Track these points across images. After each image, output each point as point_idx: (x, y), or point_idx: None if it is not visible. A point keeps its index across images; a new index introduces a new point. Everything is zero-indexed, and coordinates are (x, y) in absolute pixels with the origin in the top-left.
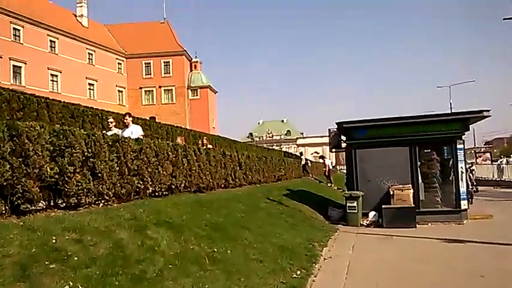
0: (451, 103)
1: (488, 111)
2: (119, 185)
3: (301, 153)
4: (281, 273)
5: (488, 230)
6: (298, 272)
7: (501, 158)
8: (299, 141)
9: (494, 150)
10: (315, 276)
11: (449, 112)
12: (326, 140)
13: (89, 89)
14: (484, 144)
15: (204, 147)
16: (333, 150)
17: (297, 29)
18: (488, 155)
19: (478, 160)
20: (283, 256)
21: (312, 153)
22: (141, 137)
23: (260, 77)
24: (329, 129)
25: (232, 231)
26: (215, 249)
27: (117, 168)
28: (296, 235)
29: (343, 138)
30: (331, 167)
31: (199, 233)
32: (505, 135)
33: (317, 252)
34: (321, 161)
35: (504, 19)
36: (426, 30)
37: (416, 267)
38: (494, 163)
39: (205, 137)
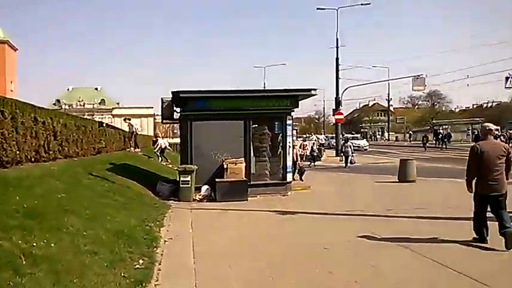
0: (265, 83)
1: (315, 89)
2: None
3: (128, 119)
4: (121, 264)
5: (311, 200)
6: (141, 261)
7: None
8: (115, 112)
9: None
10: (160, 264)
11: (281, 89)
12: (148, 111)
13: None
14: None
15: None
16: (165, 121)
17: None
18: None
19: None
20: (121, 243)
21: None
22: None
23: (73, 40)
24: (162, 99)
25: (53, 218)
26: (34, 244)
27: None
28: (130, 216)
29: (177, 109)
30: (163, 146)
31: (8, 223)
32: (303, 115)
33: (156, 234)
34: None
35: (318, 9)
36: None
37: (264, 243)
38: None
39: None
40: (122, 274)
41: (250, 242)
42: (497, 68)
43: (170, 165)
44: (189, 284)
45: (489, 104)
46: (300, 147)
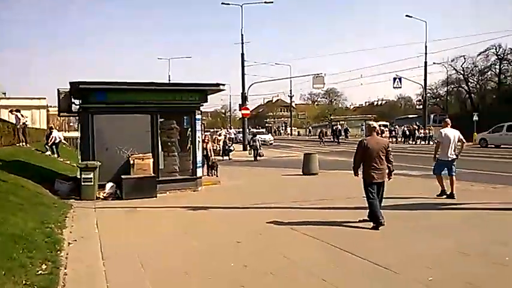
0: (169, 75)
1: (224, 84)
2: None
3: (17, 110)
4: (21, 271)
5: (222, 195)
6: (44, 266)
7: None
8: (2, 102)
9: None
10: (65, 268)
11: (190, 83)
12: (41, 103)
13: None
14: None
15: None
16: (62, 114)
17: None
18: None
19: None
20: (19, 248)
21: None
22: None
23: None
24: (58, 90)
25: None
26: None
27: None
28: (27, 218)
29: (76, 101)
30: (58, 140)
31: None
32: (210, 109)
33: (58, 237)
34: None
35: (222, 3)
36: None
37: (176, 240)
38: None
39: None
40: (24, 282)
41: (162, 240)
42: (387, 69)
43: (68, 162)
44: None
45: (379, 102)
46: (214, 142)
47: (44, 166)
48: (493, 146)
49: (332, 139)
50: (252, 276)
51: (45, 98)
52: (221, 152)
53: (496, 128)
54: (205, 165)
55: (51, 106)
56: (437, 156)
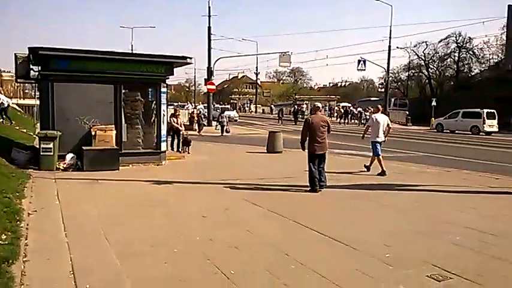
0: (132, 45)
1: (191, 58)
2: None
3: None
4: None
5: (187, 170)
6: (3, 237)
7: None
8: None
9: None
10: (26, 239)
11: (156, 54)
12: None
13: None
14: None
15: None
16: (19, 80)
17: None
18: None
19: None
20: None
21: None
22: None
23: None
24: (15, 54)
25: None
26: None
27: None
28: None
29: (35, 68)
30: (5, 105)
31: None
32: (173, 82)
33: (17, 207)
34: None
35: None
36: None
37: (139, 213)
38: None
39: None
40: None
41: (125, 213)
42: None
43: (24, 130)
44: (63, 259)
45: (343, 83)
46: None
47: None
48: (448, 131)
49: (293, 119)
50: (217, 249)
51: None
52: (196, 126)
53: (451, 114)
54: (176, 140)
55: (4, 71)
56: (370, 139)
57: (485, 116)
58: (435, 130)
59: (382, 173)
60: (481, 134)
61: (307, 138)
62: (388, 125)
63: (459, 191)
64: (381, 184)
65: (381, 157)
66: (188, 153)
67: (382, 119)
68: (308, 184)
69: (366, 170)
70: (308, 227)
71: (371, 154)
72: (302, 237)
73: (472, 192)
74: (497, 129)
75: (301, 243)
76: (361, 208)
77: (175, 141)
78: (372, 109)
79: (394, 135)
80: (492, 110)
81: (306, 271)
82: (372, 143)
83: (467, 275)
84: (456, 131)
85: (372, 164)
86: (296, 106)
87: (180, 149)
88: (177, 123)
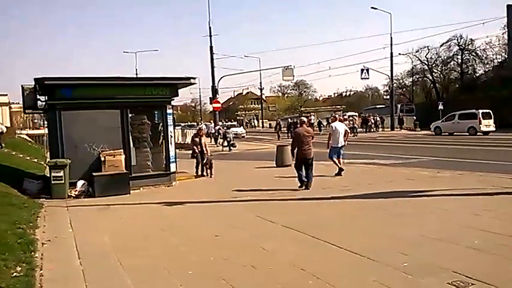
0: (136, 69)
1: (195, 78)
2: None
3: None
4: None
5: (197, 189)
6: (19, 268)
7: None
8: None
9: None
10: (41, 269)
11: (160, 77)
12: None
13: None
14: None
15: None
16: (27, 111)
17: None
18: None
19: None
20: None
21: None
22: None
23: None
24: (22, 86)
25: None
26: None
27: None
28: None
29: (42, 98)
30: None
31: None
32: (179, 103)
33: (31, 237)
34: None
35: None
36: None
37: (154, 236)
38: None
39: None
40: None
41: (139, 237)
42: (354, 61)
43: (35, 160)
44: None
45: (348, 93)
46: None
47: (10, 165)
48: (446, 133)
49: (287, 132)
50: (232, 269)
51: (6, 95)
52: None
53: (448, 117)
54: (197, 162)
55: (13, 103)
56: (332, 144)
57: (480, 116)
58: (434, 133)
59: (340, 173)
60: (478, 134)
61: (296, 146)
62: (346, 131)
63: (473, 194)
64: (393, 192)
65: (335, 159)
66: (211, 176)
67: (340, 126)
68: (299, 185)
69: (338, 175)
70: (323, 240)
71: (382, 161)
72: (318, 251)
73: (486, 194)
74: (494, 129)
75: (317, 257)
76: (374, 217)
77: (200, 164)
78: (331, 119)
79: (396, 141)
80: (487, 110)
81: (324, 286)
82: (333, 148)
83: (490, 280)
84: (454, 133)
85: (340, 169)
86: (290, 120)
87: (203, 172)
88: (200, 144)
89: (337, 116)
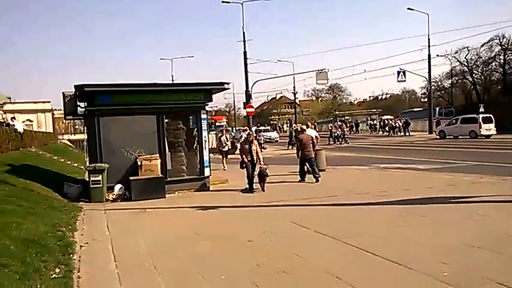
0: (172, 75)
1: (228, 83)
2: None
3: (13, 118)
4: (35, 275)
5: (230, 194)
6: (57, 270)
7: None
8: (7, 107)
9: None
10: (79, 271)
11: (194, 82)
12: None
13: None
14: None
15: None
16: (68, 117)
17: None
18: None
19: None
20: (32, 252)
21: (23, 121)
22: None
23: None
24: (63, 93)
25: None
26: None
27: None
28: (38, 222)
29: (82, 104)
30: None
31: None
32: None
33: (70, 240)
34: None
35: (223, 2)
36: None
37: (188, 240)
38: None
39: None
40: (38, 286)
41: (174, 241)
42: (390, 63)
43: (76, 164)
44: None
45: (384, 96)
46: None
47: (52, 169)
48: (452, 137)
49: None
50: (265, 275)
51: (49, 102)
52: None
53: (452, 121)
54: (248, 173)
55: (56, 109)
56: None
57: (481, 120)
58: (438, 137)
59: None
60: (478, 137)
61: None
62: (316, 137)
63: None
64: (433, 198)
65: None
66: (263, 190)
67: (311, 133)
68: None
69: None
70: (358, 247)
71: (418, 166)
72: (353, 259)
73: None
74: (495, 132)
75: (353, 265)
76: (413, 224)
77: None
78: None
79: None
80: (488, 115)
81: None
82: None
83: None
84: (459, 137)
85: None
86: (294, 125)
87: (253, 185)
88: (250, 152)
89: (309, 123)
